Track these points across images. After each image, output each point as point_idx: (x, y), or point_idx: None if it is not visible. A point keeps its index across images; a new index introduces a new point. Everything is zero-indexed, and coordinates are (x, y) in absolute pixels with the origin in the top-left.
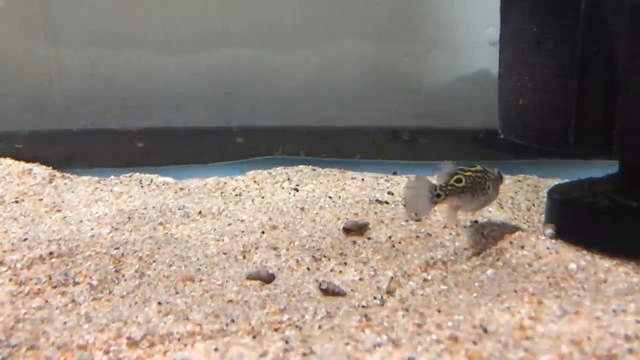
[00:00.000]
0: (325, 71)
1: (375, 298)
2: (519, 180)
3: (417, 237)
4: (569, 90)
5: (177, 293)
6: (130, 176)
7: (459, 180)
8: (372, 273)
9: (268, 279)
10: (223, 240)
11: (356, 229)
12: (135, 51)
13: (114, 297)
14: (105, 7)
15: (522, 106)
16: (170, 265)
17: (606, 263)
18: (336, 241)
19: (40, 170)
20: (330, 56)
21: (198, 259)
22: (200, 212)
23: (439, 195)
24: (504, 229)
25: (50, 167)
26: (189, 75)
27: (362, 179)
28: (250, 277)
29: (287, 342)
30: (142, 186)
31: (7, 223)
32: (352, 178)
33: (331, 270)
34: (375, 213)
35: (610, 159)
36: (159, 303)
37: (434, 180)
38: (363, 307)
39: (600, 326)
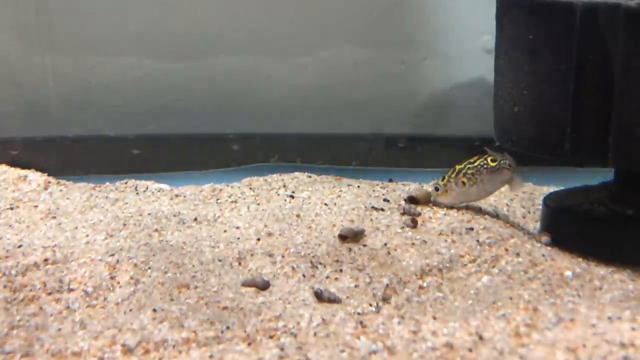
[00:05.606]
0: (320, 78)
1: (370, 305)
2: None
3: (413, 244)
4: (564, 97)
5: (172, 300)
6: (125, 183)
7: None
8: (367, 280)
9: (263, 285)
10: (218, 247)
11: (352, 236)
12: (132, 58)
13: (109, 304)
14: (101, 13)
15: (517, 114)
16: (166, 272)
17: (602, 270)
18: (332, 248)
19: (35, 177)
20: (325, 63)
21: (193, 266)
22: (195, 219)
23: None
24: (500, 236)
25: (46, 174)
26: (185, 82)
27: (358, 186)
28: (245, 284)
29: (282, 349)
30: (137, 193)
31: (1, 230)
32: (348, 185)
33: (327, 277)
34: (371, 220)
35: (605, 166)
36: (154, 310)
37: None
38: (358, 314)
39: (596, 333)
